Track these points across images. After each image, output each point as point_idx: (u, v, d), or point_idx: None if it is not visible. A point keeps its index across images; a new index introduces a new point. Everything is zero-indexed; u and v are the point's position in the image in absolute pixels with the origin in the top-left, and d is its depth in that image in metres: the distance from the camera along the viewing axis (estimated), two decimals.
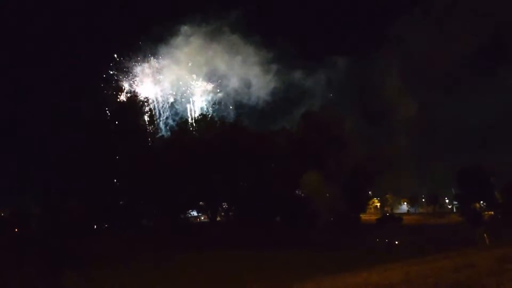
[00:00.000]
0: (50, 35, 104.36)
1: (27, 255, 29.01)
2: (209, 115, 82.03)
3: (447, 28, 67.57)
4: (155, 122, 78.12)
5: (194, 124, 77.65)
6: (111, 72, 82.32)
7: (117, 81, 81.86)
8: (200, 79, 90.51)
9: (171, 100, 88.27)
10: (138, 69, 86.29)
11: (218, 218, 75.21)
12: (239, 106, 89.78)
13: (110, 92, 75.93)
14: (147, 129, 73.17)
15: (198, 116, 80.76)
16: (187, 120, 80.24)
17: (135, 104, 71.78)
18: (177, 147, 67.43)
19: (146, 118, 73.62)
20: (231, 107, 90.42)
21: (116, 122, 68.31)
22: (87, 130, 66.06)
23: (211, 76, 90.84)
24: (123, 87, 77.03)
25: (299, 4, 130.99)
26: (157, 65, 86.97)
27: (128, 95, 73.24)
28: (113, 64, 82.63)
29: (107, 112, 70.87)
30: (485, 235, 29.73)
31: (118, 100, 72.36)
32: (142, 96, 79.07)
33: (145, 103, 74.26)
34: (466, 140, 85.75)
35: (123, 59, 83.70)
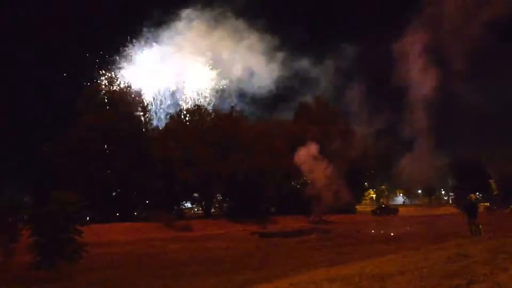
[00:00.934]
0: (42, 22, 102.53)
1: (19, 246, 28.83)
2: (204, 106, 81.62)
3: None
4: (149, 112, 77.64)
5: (187, 115, 77.19)
6: (108, 60, 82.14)
7: (111, 70, 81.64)
8: (204, 66, 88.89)
9: (173, 88, 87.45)
10: (138, 56, 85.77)
11: (213, 210, 75.25)
12: (243, 94, 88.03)
13: (103, 82, 75.65)
14: (141, 119, 72.69)
15: (192, 107, 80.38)
16: (181, 110, 79.86)
17: (127, 94, 71.29)
18: (170, 137, 67.35)
19: (139, 108, 72.94)
20: (233, 97, 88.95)
21: (108, 112, 67.62)
22: (79, 120, 65.83)
23: (215, 63, 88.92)
24: (116, 77, 76.54)
25: None
26: (157, 52, 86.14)
27: (122, 85, 72.53)
28: (109, 52, 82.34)
29: (98, 101, 70.17)
30: (480, 226, 29.64)
31: (110, 90, 71.70)
32: (140, 85, 78.92)
33: (138, 94, 73.68)
34: (463, 130, 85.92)
35: (122, 46, 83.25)
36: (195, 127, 72.19)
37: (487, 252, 14.26)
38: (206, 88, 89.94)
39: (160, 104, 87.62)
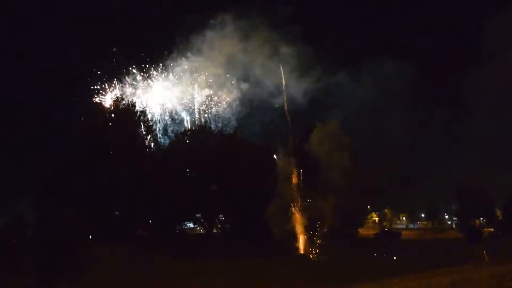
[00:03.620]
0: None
1: (21, 264, 28.74)
2: (209, 126, 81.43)
3: None
4: (153, 132, 77.49)
5: (191, 135, 76.95)
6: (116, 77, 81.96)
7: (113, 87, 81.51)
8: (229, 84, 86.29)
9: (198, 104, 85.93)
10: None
11: (215, 230, 74.85)
12: (270, 110, 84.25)
13: (109, 101, 75.89)
14: (145, 139, 72.68)
15: (196, 127, 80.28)
16: (185, 131, 79.73)
17: (132, 114, 71.40)
18: (174, 158, 67.37)
19: (143, 128, 72.91)
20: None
21: (111, 132, 67.62)
22: (83, 139, 65.99)
23: (243, 78, 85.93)
24: (122, 96, 76.54)
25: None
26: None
27: (125, 104, 72.65)
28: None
29: (102, 121, 70.18)
30: (484, 252, 29.46)
31: (114, 109, 71.86)
32: (151, 103, 78.72)
33: (143, 113, 73.73)
34: (467, 155, 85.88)
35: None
36: (199, 148, 72.08)
37: (492, 278, 14.17)
38: (227, 107, 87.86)
39: (170, 125, 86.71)
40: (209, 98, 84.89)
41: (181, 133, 78.70)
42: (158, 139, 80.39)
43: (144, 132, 72.63)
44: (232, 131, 79.32)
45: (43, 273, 26.45)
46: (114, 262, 44.14)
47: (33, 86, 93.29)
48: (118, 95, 77.50)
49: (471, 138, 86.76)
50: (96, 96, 78.88)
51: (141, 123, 73.29)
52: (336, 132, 71.83)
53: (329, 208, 62.50)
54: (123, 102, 73.04)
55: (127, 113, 70.76)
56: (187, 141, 74.96)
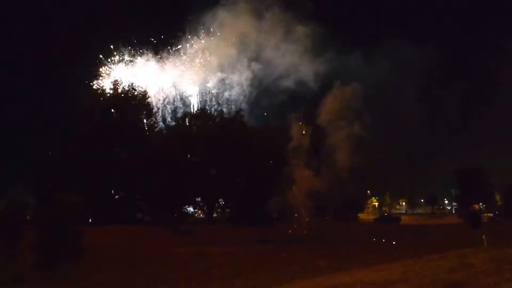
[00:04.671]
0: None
1: (21, 246, 28.81)
2: (208, 110, 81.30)
3: None
4: (154, 115, 77.37)
5: (192, 119, 76.85)
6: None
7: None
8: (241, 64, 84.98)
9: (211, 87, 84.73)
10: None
11: (215, 215, 75.09)
12: (282, 92, 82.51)
13: (108, 84, 75.80)
14: (146, 122, 72.62)
15: (196, 111, 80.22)
16: (185, 114, 79.62)
17: (132, 97, 71.26)
18: (174, 141, 67.36)
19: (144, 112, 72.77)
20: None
21: (112, 115, 67.58)
22: (83, 122, 65.95)
23: (255, 57, 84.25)
24: (120, 80, 76.15)
25: None
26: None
27: (126, 88, 72.46)
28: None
29: (102, 104, 70.10)
30: (483, 236, 29.49)
31: (114, 93, 71.69)
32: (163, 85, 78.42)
33: (143, 96, 73.46)
34: (467, 139, 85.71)
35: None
36: (199, 132, 72.02)
37: (490, 262, 14.16)
38: (243, 85, 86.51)
39: (184, 104, 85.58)
40: (222, 81, 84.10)
41: (181, 117, 78.75)
42: (163, 122, 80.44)
43: (144, 116, 72.53)
44: (234, 115, 79.03)
45: (43, 256, 26.53)
46: (114, 245, 44.35)
47: (33, 68, 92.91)
48: (119, 78, 77.35)
49: (479, 124, 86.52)
50: (96, 79, 78.86)
51: (143, 106, 73.19)
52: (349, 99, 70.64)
53: (334, 191, 62.43)
54: (123, 85, 72.89)
55: (127, 96, 70.68)
56: (187, 125, 75.04)
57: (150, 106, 75.34)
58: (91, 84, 79.39)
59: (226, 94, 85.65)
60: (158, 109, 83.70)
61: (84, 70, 79.83)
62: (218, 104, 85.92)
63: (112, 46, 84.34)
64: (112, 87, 73.78)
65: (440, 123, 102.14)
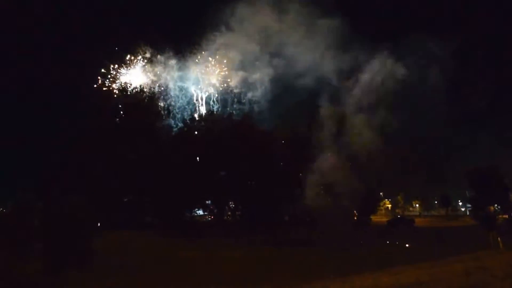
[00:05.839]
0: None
1: (28, 251, 28.65)
2: (217, 112, 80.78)
3: None
4: (166, 117, 77.05)
5: (201, 121, 76.39)
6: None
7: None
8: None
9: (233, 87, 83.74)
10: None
11: (225, 217, 74.54)
12: (304, 88, 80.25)
13: (116, 89, 75.58)
14: (155, 125, 72.29)
15: (205, 113, 79.75)
16: (194, 117, 79.26)
17: (142, 101, 71.16)
18: (183, 144, 67.02)
19: (162, 111, 72.54)
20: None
21: (121, 119, 67.51)
22: (92, 125, 65.83)
23: (277, 53, 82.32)
24: (129, 82, 75.92)
25: None
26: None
27: (135, 90, 72.36)
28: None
29: (113, 108, 70.09)
30: (499, 238, 28.89)
31: (124, 95, 71.64)
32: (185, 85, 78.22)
33: (151, 99, 73.20)
34: (481, 139, 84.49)
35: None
36: (207, 134, 71.61)
37: (506, 266, 13.75)
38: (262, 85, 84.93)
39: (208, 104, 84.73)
40: (244, 80, 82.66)
41: (190, 119, 78.41)
42: (182, 123, 79.85)
43: (153, 118, 72.26)
44: (243, 116, 78.40)
45: (51, 260, 26.28)
46: (123, 250, 44.12)
47: (43, 70, 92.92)
48: (128, 80, 77.18)
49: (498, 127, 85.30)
50: (104, 80, 78.56)
51: (155, 108, 73.02)
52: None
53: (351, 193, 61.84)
54: (132, 87, 72.90)
55: (136, 99, 70.66)
56: (197, 127, 74.79)
57: (159, 108, 75.17)
58: (100, 85, 78.71)
59: (249, 94, 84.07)
60: (172, 110, 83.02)
61: (94, 71, 79.06)
62: (240, 103, 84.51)
63: (134, 45, 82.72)
64: (120, 89, 73.67)
65: (459, 123, 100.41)
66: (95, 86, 77.07)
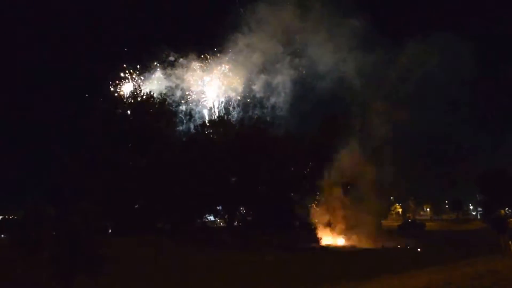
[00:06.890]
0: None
1: (39, 257, 28.70)
2: (228, 117, 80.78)
3: None
4: (174, 123, 77.00)
5: (210, 128, 76.24)
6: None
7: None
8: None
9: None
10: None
11: (236, 223, 74.47)
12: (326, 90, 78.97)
13: (127, 93, 75.79)
14: (164, 131, 72.25)
15: (215, 118, 79.80)
16: (204, 122, 79.32)
17: (151, 105, 71.31)
18: (194, 149, 67.00)
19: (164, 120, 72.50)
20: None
21: (130, 124, 67.68)
22: (102, 130, 66.03)
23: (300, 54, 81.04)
24: (139, 87, 75.96)
25: None
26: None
27: (143, 95, 72.54)
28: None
29: (121, 112, 70.35)
30: (510, 242, 28.69)
31: (133, 101, 71.80)
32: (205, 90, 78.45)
33: (161, 104, 73.28)
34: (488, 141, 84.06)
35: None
36: (220, 139, 71.61)
37: None
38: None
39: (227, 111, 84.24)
40: (267, 84, 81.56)
41: (200, 124, 78.51)
42: (194, 129, 79.82)
43: (164, 123, 72.19)
44: (254, 121, 77.93)
45: (61, 268, 26.28)
46: (133, 256, 44.11)
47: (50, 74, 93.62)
48: (139, 85, 77.38)
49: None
50: (115, 86, 78.69)
51: (164, 114, 73.04)
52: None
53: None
54: (142, 93, 73.08)
55: (146, 104, 70.81)
56: (206, 133, 74.82)
57: (170, 114, 75.34)
58: (111, 90, 78.81)
59: (272, 100, 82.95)
60: (193, 115, 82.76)
61: (105, 77, 79.14)
62: (262, 107, 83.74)
63: (155, 49, 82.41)
64: (131, 94, 73.87)
65: (475, 124, 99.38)
66: (111, 89, 77.85)
